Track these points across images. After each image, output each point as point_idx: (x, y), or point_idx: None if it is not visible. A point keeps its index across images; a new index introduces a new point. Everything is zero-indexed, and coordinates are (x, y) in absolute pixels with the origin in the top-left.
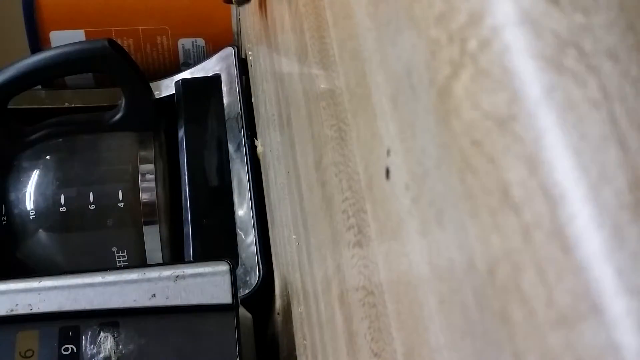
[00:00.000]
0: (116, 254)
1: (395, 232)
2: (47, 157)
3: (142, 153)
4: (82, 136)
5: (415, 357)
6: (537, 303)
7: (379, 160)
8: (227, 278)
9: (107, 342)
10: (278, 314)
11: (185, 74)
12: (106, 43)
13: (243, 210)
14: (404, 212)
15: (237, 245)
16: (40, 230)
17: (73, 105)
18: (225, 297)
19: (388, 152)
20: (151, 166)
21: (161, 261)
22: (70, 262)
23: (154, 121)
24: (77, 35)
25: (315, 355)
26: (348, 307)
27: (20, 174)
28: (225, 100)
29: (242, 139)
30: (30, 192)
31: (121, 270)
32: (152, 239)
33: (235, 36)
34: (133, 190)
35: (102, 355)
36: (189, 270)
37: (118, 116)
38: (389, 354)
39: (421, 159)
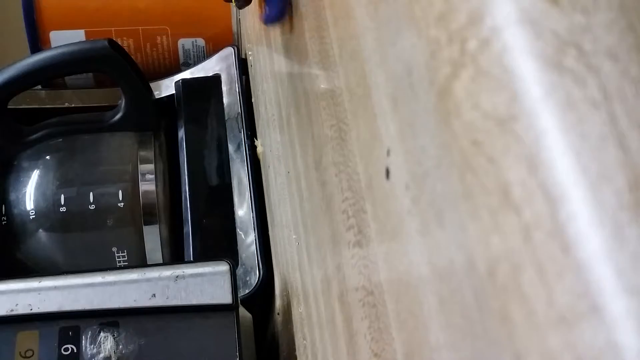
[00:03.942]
0: (116, 254)
1: (395, 232)
2: (47, 157)
3: (142, 153)
4: (82, 136)
5: (415, 357)
6: (537, 303)
7: (379, 160)
8: (227, 278)
9: (107, 342)
10: (278, 314)
11: (185, 74)
12: (106, 43)
13: (243, 210)
14: (404, 212)
15: (237, 245)
16: (40, 230)
17: (73, 105)
18: (225, 297)
19: (388, 152)
20: (151, 166)
21: (161, 261)
22: (70, 262)
23: (154, 121)
24: (77, 35)
25: (315, 355)
26: (348, 307)
27: (20, 174)
28: (225, 100)
29: (242, 139)
30: (30, 192)
31: (121, 270)
32: (152, 239)
33: (235, 36)
34: (133, 190)
35: (102, 355)
36: (189, 270)
37: (118, 116)
38: (389, 354)
39: (421, 159)
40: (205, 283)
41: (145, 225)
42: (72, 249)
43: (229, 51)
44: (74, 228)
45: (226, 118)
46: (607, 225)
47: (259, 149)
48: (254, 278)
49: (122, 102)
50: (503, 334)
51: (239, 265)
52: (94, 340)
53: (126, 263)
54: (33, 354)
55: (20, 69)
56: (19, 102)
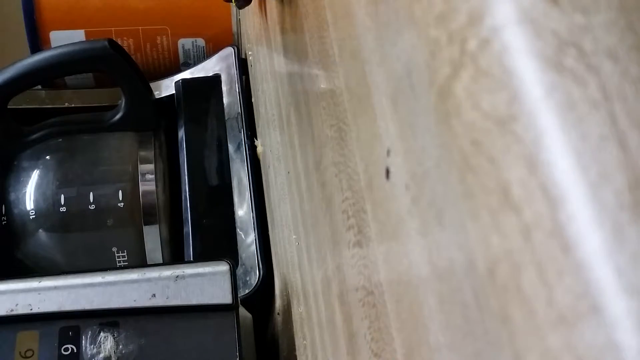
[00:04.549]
0: (116, 254)
1: (395, 232)
2: (47, 157)
3: (142, 153)
4: (82, 136)
5: (415, 357)
6: (537, 303)
7: (379, 160)
8: (227, 278)
9: (107, 342)
10: (278, 314)
11: (185, 74)
12: (106, 43)
13: (243, 210)
14: (404, 212)
15: (237, 245)
16: (40, 230)
17: (73, 105)
18: (225, 297)
19: (388, 152)
20: (151, 166)
21: (161, 261)
22: (70, 262)
23: (154, 121)
24: (77, 35)
25: (315, 355)
26: (348, 307)
27: (20, 174)
28: (225, 100)
29: (242, 139)
30: (30, 192)
31: (121, 270)
32: (152, 239)
33: (235, 36)
34: (133, 190)
35: (102, 355)
36: (189, 270)
37: (118, 116)
38: (389, 354)
39: (421, 159)
40: (205, 283)
41: (145, 225)
42: (72, 249)
43: (229, 51)
44: (74, 228)
45: (226, 118)
46: (607, 225)
47: (259, 149)
48: (254, 278)
49: (122, 102)
50: (503, 334)
51: (239, 265)
52: (94, 340)
53: (126, 263)
54: (33, 354)
55: (20, 69)
56: (19, 102)
